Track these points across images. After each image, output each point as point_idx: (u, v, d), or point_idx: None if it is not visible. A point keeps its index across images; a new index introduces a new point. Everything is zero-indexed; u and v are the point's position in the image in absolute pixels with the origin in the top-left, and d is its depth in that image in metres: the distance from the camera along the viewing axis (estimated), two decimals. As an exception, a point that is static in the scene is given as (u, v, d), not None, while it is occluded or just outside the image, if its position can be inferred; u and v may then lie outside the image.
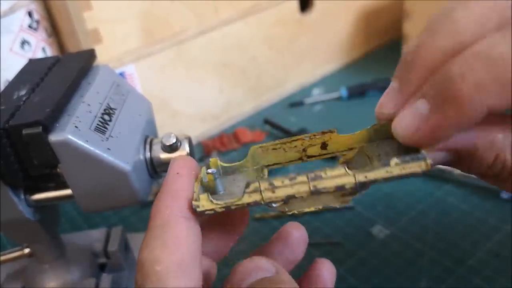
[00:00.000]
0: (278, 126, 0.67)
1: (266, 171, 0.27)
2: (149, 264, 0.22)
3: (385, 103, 0.24)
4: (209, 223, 0.28)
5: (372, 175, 0.23)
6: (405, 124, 0.23)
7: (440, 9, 0.23)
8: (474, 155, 0.23)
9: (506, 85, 0.20)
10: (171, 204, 0.24)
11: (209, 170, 0.25)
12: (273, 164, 0.27)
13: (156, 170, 0.34)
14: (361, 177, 0.23)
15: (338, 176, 0.23)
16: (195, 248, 0.23)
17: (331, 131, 0.27)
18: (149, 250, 0.23)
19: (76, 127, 0.29)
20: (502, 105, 0.20)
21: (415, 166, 0.23)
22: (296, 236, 0.29)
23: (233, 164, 0.26)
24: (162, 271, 0.22)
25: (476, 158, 0.23)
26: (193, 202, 0.24)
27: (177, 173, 0.25)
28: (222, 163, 0.26)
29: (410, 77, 0.23)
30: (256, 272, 0.23)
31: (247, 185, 0.23)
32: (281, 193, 0.23)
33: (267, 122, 0.69)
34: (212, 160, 0.26)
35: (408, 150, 0.23)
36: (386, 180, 0.23)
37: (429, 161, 0.22)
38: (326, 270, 0.28)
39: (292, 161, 0.27)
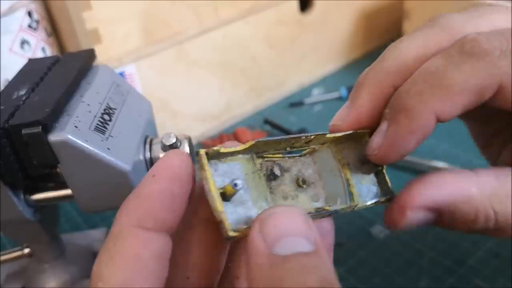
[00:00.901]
0: (278, 126, 0.67)
1: (259, 161, 0.24)
2: (93, 280, 0.20)
3: (337, 117, 0.27)
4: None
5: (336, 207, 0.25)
6: (373, 144, 0.25)
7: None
8: (455, 213, 0.24)
9: (442, 89, 0.23)
10: (131, 212, 0.21)
11: (237, 182, 0.21)
12: (263, 152, 0.25)
13: (156, 170, 0.34)
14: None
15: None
16: (150, 265, 0.20)
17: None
18: (97, 264, 0.20)
19: (75, 127, 0.29)
20: (444, 108, 0.23)
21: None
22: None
23: (227, 150, 0.23)
24: None
25: (458, 216, 0.24)
26: (228, 233, 0.20)
27: (153, 176, 0.21)
28: (215, 149, 0.22)
29: (359, 95, 0.27)
30: (294, 237, 0.19)
31: None
32: None
33: (267, 122, 0.69)
34: (210, 150, 0.22)
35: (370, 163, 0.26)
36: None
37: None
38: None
39: (279, 151, 0.25)
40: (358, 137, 0.26)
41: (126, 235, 0.20)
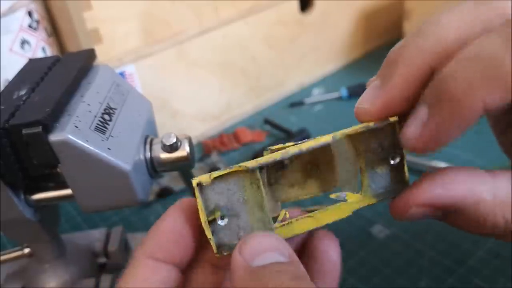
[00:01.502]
0: (278, 126, 0.67)
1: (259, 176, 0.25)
2: None
3: (365, 98, 0.25)
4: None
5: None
6: (409, 133, 0.23)
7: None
8: (462, 215, 0.23)
9: (497, 80, 0.20)
10: (145, 245, 0.25)
11: (223, 213, 0.24)
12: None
13: (156, 170, 0.34)
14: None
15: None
16: None
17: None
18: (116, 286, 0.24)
19: (76, 127, 0.29)
20: (496, 100, 0.21)
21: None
22: (333, 258, 0.28)
23: (225, 171, 0.24)
24: None
25: (464, 218, 0.23)
26: (216, 254, 0.24)
27: (166, 214, 0.25)
28: (214, 174, 0.24)
29: (392, 75, 0.23)
30: (269, 252, 0.21)
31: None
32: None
33: (267, 122, 0.69)
34: (203, 178, 0.23)
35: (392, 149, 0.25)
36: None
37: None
38: (331, 246, 0.28)
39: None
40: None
41: (138, 264, 0.24)
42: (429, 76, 0.22)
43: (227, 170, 0.23)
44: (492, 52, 0.21)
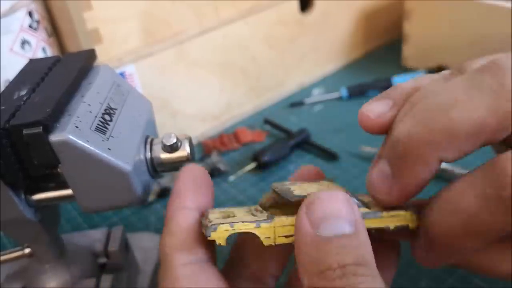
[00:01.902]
0: (278, 126, 0.67)
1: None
2: (161, 251, 0.26)
3: (378, 187, 0.25)
4: None
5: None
6: (378, 189, 0.25)
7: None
8: None
9: (449, 139, 0.22)
10: (176, 199, 0.28)
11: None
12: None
13: (157, 170, 0.34)
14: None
15: None
16: (196, 231, 0.26)
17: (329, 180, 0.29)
18: (160, 238, 0.27)
19: (76, 127, 0.29)
20: (449, 157, 0.22)
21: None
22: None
23: (228, 209, 0.28)
24: (168, 253, 0.25)
25: None
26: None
27: (183, 176, 0.29)
28: (218, 212, 0.27)
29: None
30: (337, 219, 0.21)
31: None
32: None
33: (267, 122, 0.69)
34: (210, 216, 0.26)
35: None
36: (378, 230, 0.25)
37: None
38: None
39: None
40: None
41: (176, 214, 0.27)
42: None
43: (245, 230, 0.24)
44: (439, 110, 0.22)
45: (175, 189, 0.28)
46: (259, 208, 0.27)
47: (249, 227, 0.24)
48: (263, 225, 0.23)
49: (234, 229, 0.24)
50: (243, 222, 0.24)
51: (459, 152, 0.22)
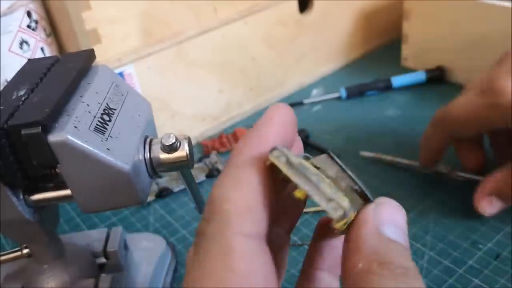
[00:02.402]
0: (278, 126, 0.67)
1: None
2: (219, 202, 0.21)
3: None
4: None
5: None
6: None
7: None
8: None
9: None
10: (254, 147, 0.23)
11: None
12: None
13: (156, 170, 0.34)
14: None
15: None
16: (266, 196, 0.22)
17: None
18: (221, 187, 0.22)
19: (75, 127, 0.29)
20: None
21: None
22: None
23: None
24: (230, 211, 0.21)
25: None
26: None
27: (271, 119, 0.23)
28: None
29: None
30: (399, 228, 0.22)
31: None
32: None
33: (266, 122, 0.69)
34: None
35: None
36: None
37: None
38: None
39: None
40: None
41: (250, 167, 0.22)
42: None
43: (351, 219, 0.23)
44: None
45: (259, 127, 0.23)
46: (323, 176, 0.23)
47: (352, 217, 0.22)
48: (351, 214, 0.22)
49: (349, 219, 0.22)
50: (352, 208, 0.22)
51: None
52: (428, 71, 0.74)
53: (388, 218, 0.22)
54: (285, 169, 0.21)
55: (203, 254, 0.21)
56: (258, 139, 0.23)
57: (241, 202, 0.21)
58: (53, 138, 0.28)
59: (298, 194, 0.22)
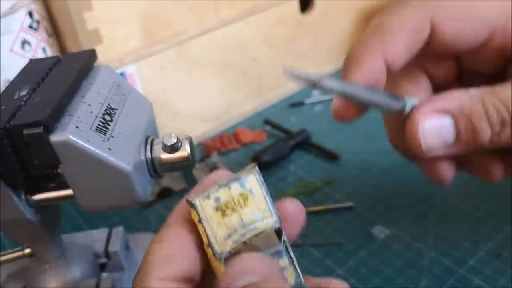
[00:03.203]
0: (279, 127, 0.67)
1: None
2: (146, 254, 0.25)
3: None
4: None
5: None
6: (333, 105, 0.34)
7: None
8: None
9: (385, 36, 0.29)
10: (175, 212, 0.27)
11: None
12: None
13: (157, 170, 0.34)
14: None
15: None
16: (190, 245, 0.25)
17: None
18: (152, 242, 0.26)
19: (77, 127, 0.29)
20: (391, 53, 0.29)
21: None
22: (291, 209, 0.27)
23: None
24: (150, 261, 0.25)
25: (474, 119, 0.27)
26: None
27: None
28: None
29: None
30: (244, 275, 0.23)
31: None
32: None
33: (267, 122, 0.69)
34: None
35: None
36: None
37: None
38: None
39: None
40: None
41: (173, 225, 0.26)
42: None
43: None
44: (378, 19, 0.32)
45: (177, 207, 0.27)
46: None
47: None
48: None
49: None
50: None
51: (396, 48, 0.29)
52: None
53: (235, 275, 0.23)
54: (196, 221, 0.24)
55: None
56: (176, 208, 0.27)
57: (160, 253, 0.25)
58: (55, 138, 0.28)
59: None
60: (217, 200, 0.24)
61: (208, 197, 0.24)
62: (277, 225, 0.25)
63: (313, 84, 0.27)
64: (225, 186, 0.24)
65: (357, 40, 0.29)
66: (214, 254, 0.24)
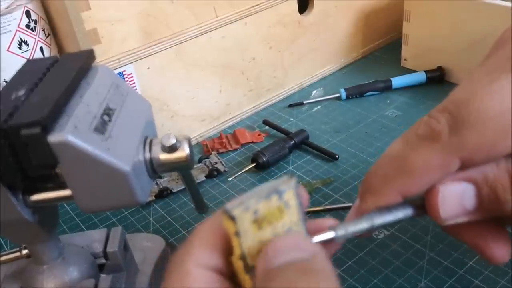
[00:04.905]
0: (277, 127, 0.67)
1: None
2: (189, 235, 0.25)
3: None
4: None
5: None
6: (347, 218, 0.29)
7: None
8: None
9: (408, 174, 0.26)
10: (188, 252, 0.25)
11: None
12: None
13: (156, 170, 0.34)
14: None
15: None
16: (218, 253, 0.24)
17: None
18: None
19: (75, 127, 0.29)
20: (411, 190, 0.27)
21: None
22: None
23: None
24: (193, 243, 0.24)
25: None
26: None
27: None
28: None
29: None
30: (291, 251, 0.22)
31: None
32: None
33: (266, 122, 0.69)
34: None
35: None
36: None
37: None
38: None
39: None
40: None
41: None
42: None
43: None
44: (397, 152, 0.27)
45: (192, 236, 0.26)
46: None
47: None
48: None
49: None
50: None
51: (418, 185, 0.27)
52: (428, 72, 0.74)
53: (274, 253, 0.23)
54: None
55: (168, 276, 0.24)
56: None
57: (205, 238, 0.24)
58: (53, 138, 0.28)
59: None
60: (255, 212, 0.23)
61: (247, 209, 0.23)
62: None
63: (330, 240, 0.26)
64: (265, 198, 0.23)
65: (374, 169, 0.28)
66: (245, 267, 0.23)
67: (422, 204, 0.27)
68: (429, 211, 0.27)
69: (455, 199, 0.26)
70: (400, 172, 0.26)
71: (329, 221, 0.26)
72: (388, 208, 0.27)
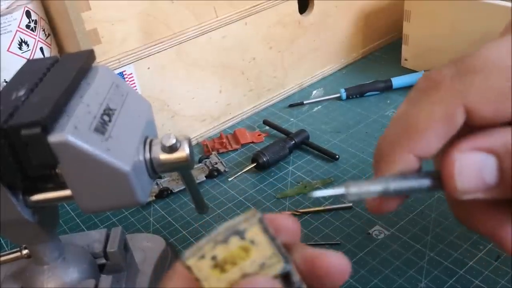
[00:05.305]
0: (278, 127, 0.67)
1: None
2: None
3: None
4: None
5: None
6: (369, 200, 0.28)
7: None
8: None
9: (414, 133, 0.25)
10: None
11: None
12: None
13: (156, 170, 0.34)
14: None
15: None
16: None
17: None
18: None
19: (75, 127, 0.29)
20: (423, 149, 0.25)
21: None
22: (334, 263, 0.24)
23: None
24: None
25: None
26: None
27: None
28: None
29: None
30: None
31: None
32: None
33: (266, 122, 0.69)
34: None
35: None
36: None
37: None
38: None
39: None
40: None
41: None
42: None
43: None
44: (401, 113, 0.26)
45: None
46: None
47: None
48: None
49: None
50: None
51: (429, 142, 0.26)
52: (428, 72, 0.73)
53: None
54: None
55: None
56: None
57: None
58: (53, 138, 0.28)
59: None
60: (214, 258, 0.22)
61: (203, 256, 0.22)
62: (286, 270, 0.23)
63: (341, 195, 0.26)
64: (222, 243, 0.22)
65: (383, 136, 0.27)
66: None
67: (439, 176, 0.25)
68: (444, 182, 0.25)
69: (474, 170, 0.24)
70: (406, 132, 0.25)
71: (285, 217, 0.25)
72: (404, 176, 0.26)
